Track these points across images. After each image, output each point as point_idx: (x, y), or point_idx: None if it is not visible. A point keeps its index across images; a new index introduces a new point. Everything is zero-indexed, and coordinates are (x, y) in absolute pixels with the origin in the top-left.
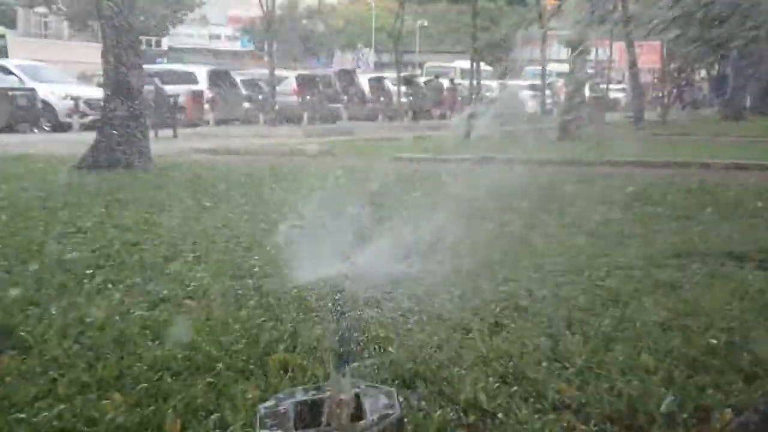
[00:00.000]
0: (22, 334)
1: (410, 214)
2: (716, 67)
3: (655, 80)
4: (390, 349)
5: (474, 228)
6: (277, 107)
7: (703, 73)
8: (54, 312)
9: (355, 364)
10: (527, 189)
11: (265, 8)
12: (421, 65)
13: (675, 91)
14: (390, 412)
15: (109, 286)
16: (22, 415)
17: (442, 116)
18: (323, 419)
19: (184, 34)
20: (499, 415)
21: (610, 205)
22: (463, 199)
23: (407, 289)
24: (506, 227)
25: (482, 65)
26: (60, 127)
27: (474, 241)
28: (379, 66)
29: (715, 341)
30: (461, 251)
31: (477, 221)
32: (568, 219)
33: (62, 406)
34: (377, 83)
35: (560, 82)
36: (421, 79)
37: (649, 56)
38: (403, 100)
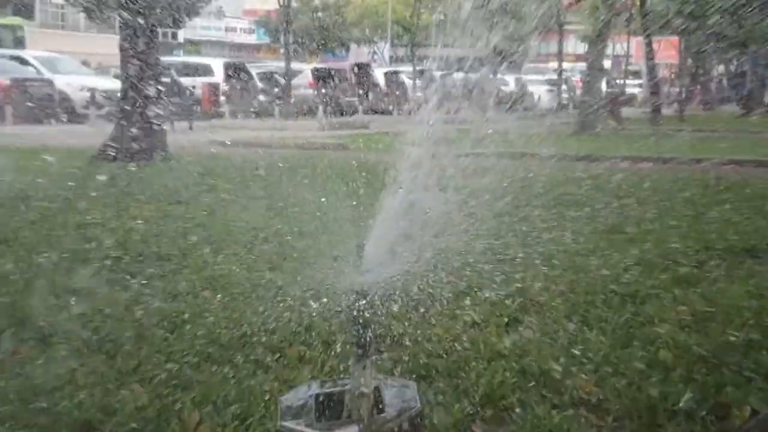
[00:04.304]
0: (42, 324)
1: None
2: (734, 63)
3: (673, 76)
4: None
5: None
6: (292, 100)
7: (721, 68)
8: (73, 302)
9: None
10: (542, 184)
11: (281, 1)
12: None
13: (693, 87)
14: (410, 405)
15: (128, 277)
16: (44, 404)
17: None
18: (344, 412)
19: (200, 27)
20: None
21: (626, 201)
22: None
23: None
24: (521, 222)
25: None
26: (77, 118)
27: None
28: (395, 60)
29: (734, 338)
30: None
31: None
32: (584, 214)
33: (82, 396)
34: (393, 77)
35: (576, 76)
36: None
37: (667, 51)
38: (419, 93)
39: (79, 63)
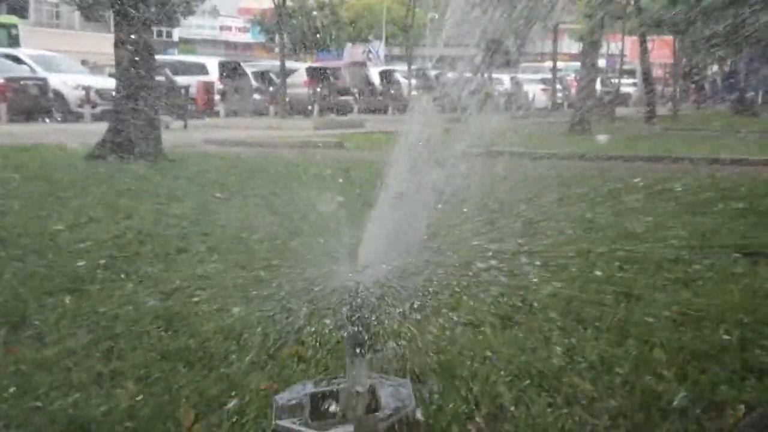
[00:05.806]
0: (37, 323)
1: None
2: (728, 62)
3: (667, 75)
4: None
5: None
6: (287, 99)
7: (715, 68)
8: (68, 302)
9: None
10: (533, 182)
11: (275, 0)
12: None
13: (687, 86)
14: (405, 404)
15: (122, 276)
16: (38, 404)
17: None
18: (338, 411)
19: (195, 25)
20: None
21: (620, 200)
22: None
23: None
24: (516, 219)
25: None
26: (71, 117)
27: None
28: (391, 59)
29: (728, 337)
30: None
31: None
32: (578, 213)
33: (77, 395)
34: (388, 76)
35: (571, 75)
36: (432, 72)
37: (661, 51)
38: (414, 92)
39: (73, 61)
